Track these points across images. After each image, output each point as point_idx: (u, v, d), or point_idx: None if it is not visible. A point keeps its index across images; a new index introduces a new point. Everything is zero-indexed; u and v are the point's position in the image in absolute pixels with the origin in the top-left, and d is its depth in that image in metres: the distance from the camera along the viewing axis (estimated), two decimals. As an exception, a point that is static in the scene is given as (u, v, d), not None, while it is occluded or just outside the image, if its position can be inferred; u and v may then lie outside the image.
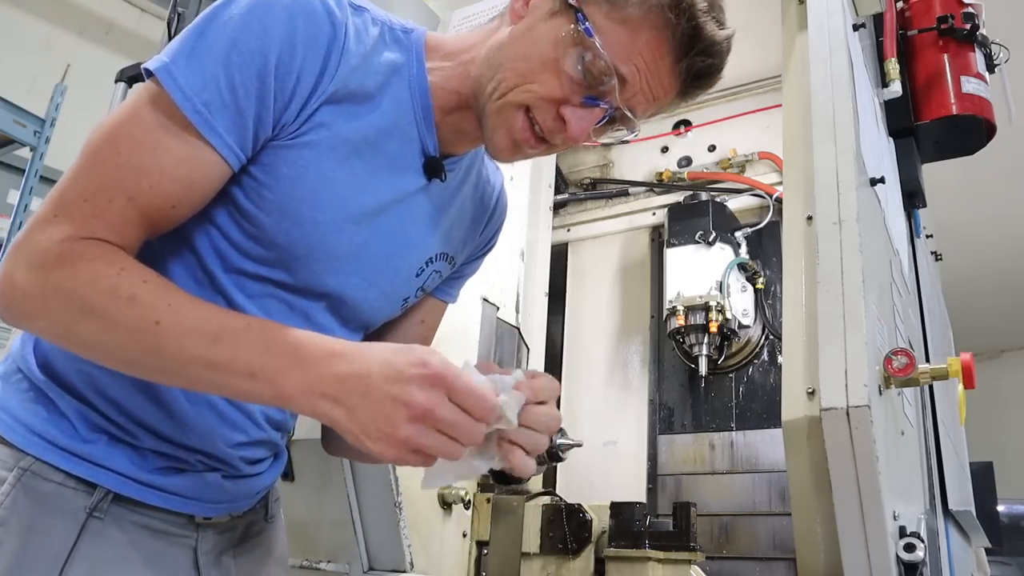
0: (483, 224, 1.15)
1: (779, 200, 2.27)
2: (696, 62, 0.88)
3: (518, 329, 2.25)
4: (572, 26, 0.86)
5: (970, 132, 2.06)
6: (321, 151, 0.87)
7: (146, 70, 0.82)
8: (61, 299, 0.76)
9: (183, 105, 0.80)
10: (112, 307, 0.75)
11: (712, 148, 2.58)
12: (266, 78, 0.82)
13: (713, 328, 2.14)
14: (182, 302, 0.77)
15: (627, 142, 2.72)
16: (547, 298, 2.49)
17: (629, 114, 0.91)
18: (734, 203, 2.42)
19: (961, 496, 2.00)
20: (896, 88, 1.89)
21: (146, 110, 0.81)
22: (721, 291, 2.18)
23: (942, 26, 2.07)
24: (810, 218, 1.48)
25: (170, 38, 2.16)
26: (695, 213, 2.32)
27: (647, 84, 0.89)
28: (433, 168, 0.98)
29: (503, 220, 1.19)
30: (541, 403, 0.81)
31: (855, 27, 1.76)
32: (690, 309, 2.18)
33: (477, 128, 0.96)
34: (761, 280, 2.27)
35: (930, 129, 2.04)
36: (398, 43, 0.95)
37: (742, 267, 2.26)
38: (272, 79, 0.82)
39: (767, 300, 2.28)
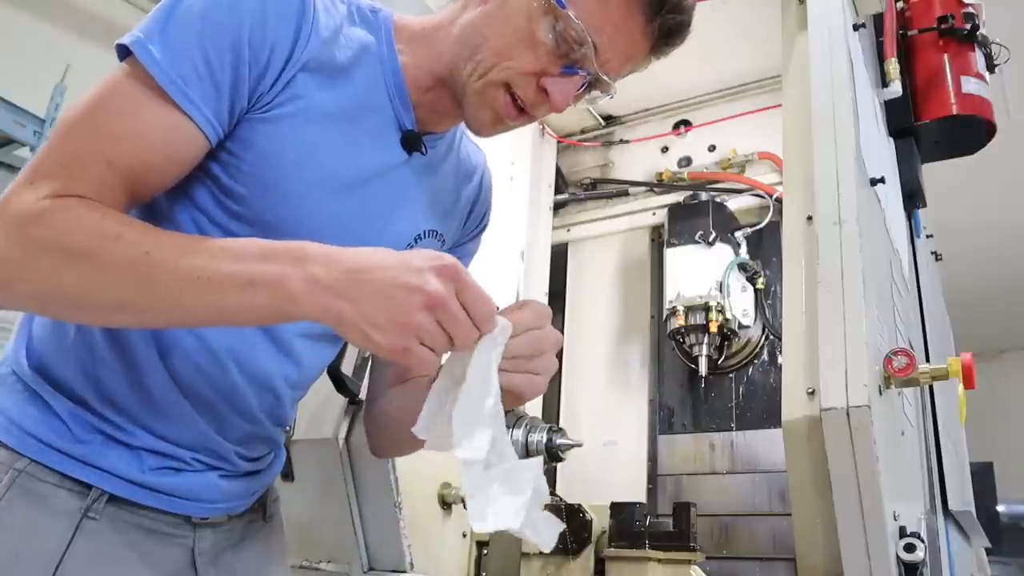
0: (470, 203, 1.15)
1: (779, 200, 2.27)
2: (667, 20, 0.90)
3: (518, 329, 2.25)
4: (546, 0, 0.88)
5: (970, 132, 2.06)
6: (299, 122, 0.88)
7: (121, 47, 0.82)
8: (42, 252, 0.74)
9: (159, 77, 0.80)
10: (98, 246, 0.74)
11: (712, 148, 2.58)
12: (240, 50, 0.82)
13: (713, 328, 2.14)
14: (170, 235, 0.78)
15: (621, 146, 2.75)
16: (547, 298, 2.49)
17: (606, 78, 0.92)
18: (734, 203, 2.42)
19: (961, 496, 2.00)
20: (896, 88, 1.89)
21: (122, 83, 0.81)
22: (721, 291, 2.18)
23: (942, 26, 2.07)
24: (810, 218, 1.48)
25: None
26: (695, 213, 2.32)
27: (620, 46, 0.91)
28: (411, 142, 0.98)
29: (490, 198, 1.19)
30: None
31: (855, 27, 1.76)
32: (690, 309, 2.18)
33: (455, 106, 0.98)
34: (761, 280, 2.27)
35: (930, 129, 2.05)
36: (366, 21, 0.97)
37: (742, 267, 2.26)
38: (246, 50, 0.83)
39: (767, 300, 2.28)
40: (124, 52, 0.82)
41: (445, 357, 0.81)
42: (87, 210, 0.76)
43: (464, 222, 1.15)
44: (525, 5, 0.89)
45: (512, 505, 0.76)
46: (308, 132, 0.88)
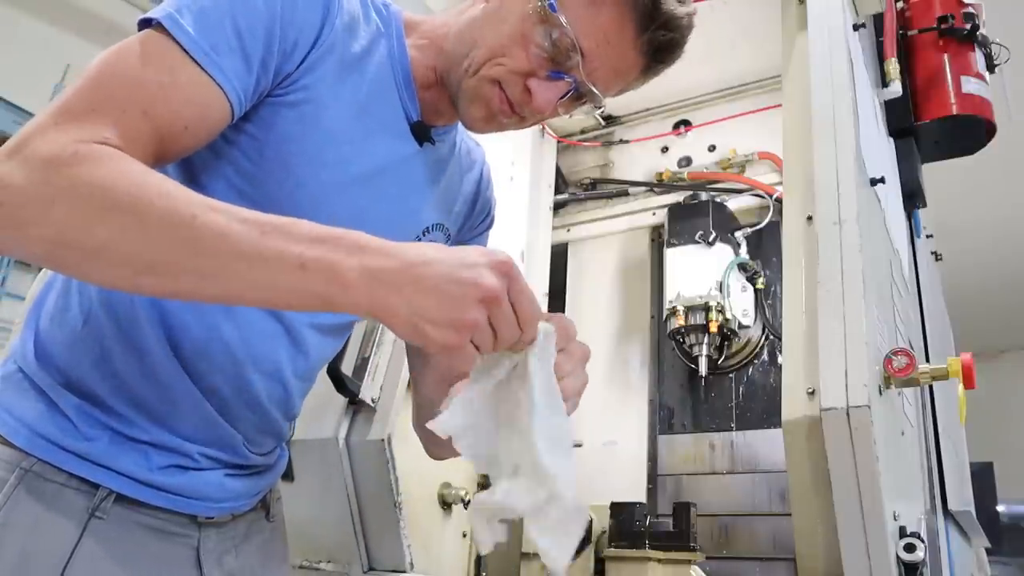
0: (472, 196, 1.16)
1: (779, 200, 2.27)
2: (657, 36, 0.91)
3: (518, 329, 2.25)
4: (539, 3, 0.89)
5: (970, 132, 2.06)
6: (320, 108, 0.89)
7: (145, 20, 0.80)
8: (78, 196, 0.69)
9: (191, 46, 0.78)
10: (143, 200, 0.69)
11: (712, 148, 2.58)
12: (271, 27, 0.83)
13: (713, 328, 2.14)
14: (220, 204, 0.72)
15: (617, 149, 2.76)
16: (547, 298, 2.49)
17: (594, 88, 0.93)
18: (734, 203, 2.42)
19: (961, 496, 2.00)
20: (896, 88, 1.89)
21: (152, 47, 0.78)
22: (721, 291, 2.18)
23: (942, 26, 2.07)
24: (810, 218, 1.48)
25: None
26: (695, 213, 2.32)
27: (610, 58, 0.92)
28: (421, 133, 1.00)
29: (492, 192, 1.21)
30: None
31: (855, 27, 1.76)
32: (690, 309, 2.18)
33: (451, 105, 0.99)
34: (761, 280, 2.27)
35: (930, 129, 2.05)
36: (379, 15, 0.99)
37: (742, 267, 2.26)
38: (277, 28, 0.83)
39: (767, 300, 2.28)
40: (147, 26, 0.80)
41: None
42: (129, 162, 0.72)
43: (468, 216, 1.17)
44: (519, 7, 0.91)
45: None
46: (328, 118, 0.89)
